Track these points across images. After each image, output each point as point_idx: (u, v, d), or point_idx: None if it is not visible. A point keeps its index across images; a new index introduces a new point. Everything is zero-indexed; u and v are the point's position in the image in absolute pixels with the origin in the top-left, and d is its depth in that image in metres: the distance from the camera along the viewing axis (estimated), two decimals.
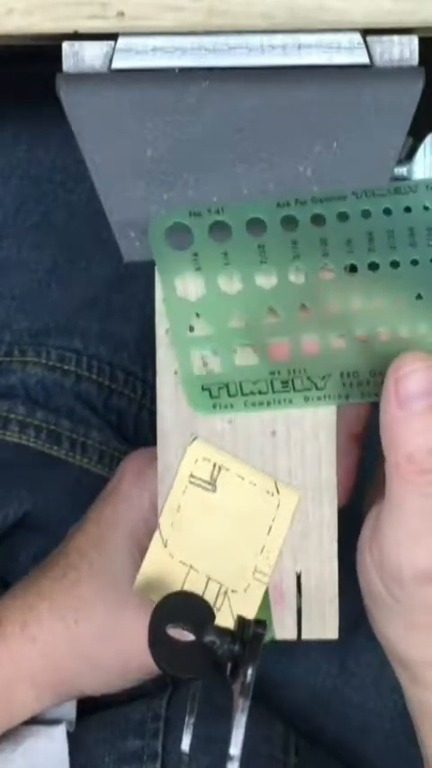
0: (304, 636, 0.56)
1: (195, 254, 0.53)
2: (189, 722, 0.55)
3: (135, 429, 0.76)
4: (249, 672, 0.50)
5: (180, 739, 0.55)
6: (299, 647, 0.71)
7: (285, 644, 0.57)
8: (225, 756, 0.66)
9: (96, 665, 0.64)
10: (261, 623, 0.52)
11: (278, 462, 0.56)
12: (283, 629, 0.56)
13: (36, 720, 0.66)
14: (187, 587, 0.55)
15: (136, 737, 0.67)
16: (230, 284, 0.54)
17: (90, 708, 0.69)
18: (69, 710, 0.68)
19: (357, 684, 0.72)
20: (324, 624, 0.56)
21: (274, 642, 0.57)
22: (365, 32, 0.53)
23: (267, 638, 0.57)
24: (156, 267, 0.54)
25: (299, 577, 0.56)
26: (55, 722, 0.67)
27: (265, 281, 0.54)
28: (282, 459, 0.56)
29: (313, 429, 0.55)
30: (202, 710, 0.56)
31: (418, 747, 0.68)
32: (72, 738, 0.66)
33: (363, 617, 0.67)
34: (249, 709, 0.68)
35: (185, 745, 0.54)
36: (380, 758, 0.73)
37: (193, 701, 0.55)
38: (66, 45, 0.52)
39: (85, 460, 0.75)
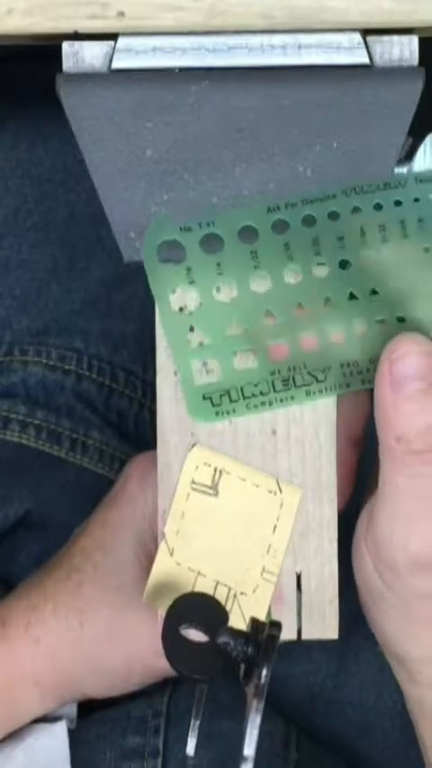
0: (304, 636, 0.56)
1: (188, 269, 0.53)
2: (195, 725, 0.55)
3: (135, 428, 0.76)
4: (264, 673, 0.50)
5: (181, 736, 0.55)
6: (299, 647, 0.71)
7: (285, 644, 0.57)
8: (227, 753, 0.66)
9: (100, 667, 0.64)
10: (276, 624, 0.52)
11: (278, 461, 0.56)
12: (283, 629, 0.56)
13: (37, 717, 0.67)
14: None
15: (137, 734, 0.68)
16: (225, 293, 0.54)
17: (91, 705, 0.69)
18: (70, 708, 0.68)
19: (357, 684, 0.72)
20: (324, 624, 0.56)
21: None
22: (365, 32, 0.53)
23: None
24: (149, 283, 0.54)
25: (299, 577, 0.56)
26: (56, 719, 0.67)
27: (260, 285, 0.54)
28: (282, 458, 0.56)
29: (313, 427, 0.55)
30: (204, 708, 0.56)
31: (418, 746, 0.68)
32: (73, 735, 0.67)
33: (361, 616, 0.67)
34: None
35: (191, 748, 0.54)
36: (379, 756, 0.73)
37: (198, 705, 0.55)
38: (66, 45, 0.52)
39: (86, 460, 0.75)
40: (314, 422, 0.55)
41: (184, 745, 0.55)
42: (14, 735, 0.66)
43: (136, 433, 0.76)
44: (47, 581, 0.64)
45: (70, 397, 0.75)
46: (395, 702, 0.72)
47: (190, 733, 0.54)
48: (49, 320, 0.75)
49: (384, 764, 0.72)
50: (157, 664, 0.63)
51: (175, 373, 0.55)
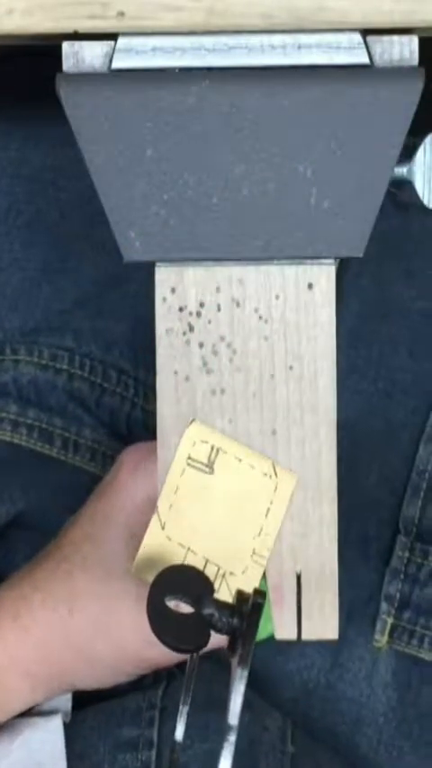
0: (304, 636, 0.56)
1: None
2: (183, 711, 0.55)
3: (128, 427, 0.76)
4: (248, 641, 0.50)
5: (176, 728, 0.55)
6: (293, 643, 0.71)
7: (283, 641, 0.57)
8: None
9: (90, 656, 0.64)
10: (261, 593, 0.52)
11: (278, 461, 0.56)
12: (283, 629, 0.57)
13: (32, 712, 0.67)
14: None
15: (132, 726, 0.68)
16: None
17: (86, 700, 0.69)
18: (65, 702, 0.68)
19: (351, 679, 0.73)
20: (324, 624, 0.56)
21: (272, 638, 0.57)
22: (365, 32, 0.53)
23: (266, 633, 0.57)
24: None
25: (299, 578, 0.56)
26: (51, 713, 0.67)
27: None
28: (282, 458, 0.56)
29: (313, 428, 0.56)
30: (198, 700, 0.56)
31: (411, 741, 0.69)
32: (68, 728, 0.66)
33: (354, 611, 0.67)
34: (247, 700, 0.69)
35: (179, 733, 0.54)
36: (373, 751, 0.73)
37: (187, 692, 0.55)
38: (66, 45, 0.52)
39: (78, 459, 0.74)
40: (314, 422, 0.55)
41: None
42: (10, 730, 0.66)
43: (128, 432, 0.76)
44: (37, 571, 0.64)
45: (62, 396, 0.74)
46: (389, 698, 0.72)
47: (178, 719, 0.54)
48: (40, 319, 0.75)
49: (378, 760, 0.72)
50: (148, 653, 0.63)
51: (175, 372, 0.55)
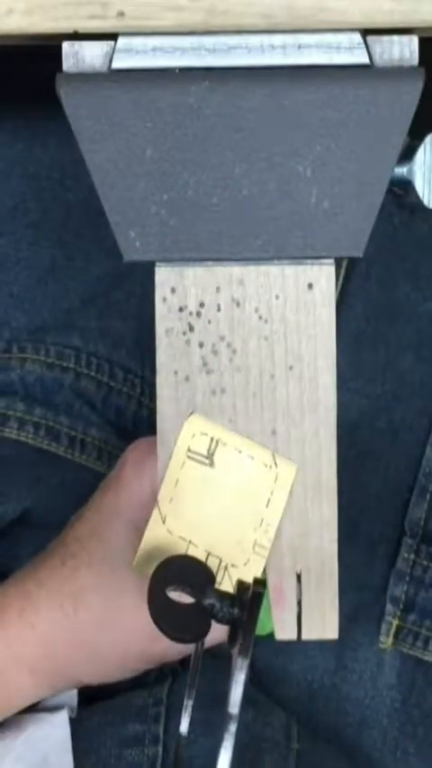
0: (304, 636, 0.56)
1: None
2: (187, 705, 0.55)
3: (134, 426, 0.76)
4: (248, 631, 0.50)
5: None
6: (296, 644, 0.71)
7: (283, 641, 0.57)
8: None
9: (95, 653, 0.64)
10: (260, 582, 0.52)
11: None
12: (283, 629, 0.57)
13: (38, 707, 0.67)
14: None
15: (137, 722, 0.68)
16: None
17: (92, 695, 0.69)
18: (71, 697, 0.68)
19: (355, 681, 0.72)
20: (324, 624, 0.56)
21: (271, 636, 0.57)
22: (365, 32, 0.53)
23: (268, 629, 0.57)
24: None
25: (299, 577, 0.56)
26: (56, 708, 0.67)
27: None
28: None
29: (313, 428, 0.56)
30: (202, 696, 0.56)
31: (415, 742, 0.69)
32: (74, 724, 0.67)
33: (359, 613, 0.67)
34: (251, 698, 0.69)
35: (184, 727, 0.55)
36: (377, 752, 0.73)
37: (191, 687, 0.55)
38: (66, 45, 0.52)
39: (84, 457, 0.75)
40: (314, 423, 0.55)
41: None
42: (15, 725, 0.66)
43: (135, 430, 0.76)
44: (41, 568, 0.64)
45: (69, 394, 0.75)
46: (393, 700, 0.72)
47: (183, 713, 0.55)
48: (47, 318, 0.75)
49: (383, 761, 0.72)
50: (153, 649, 0.63)
51: (175, 372, 0.55)
